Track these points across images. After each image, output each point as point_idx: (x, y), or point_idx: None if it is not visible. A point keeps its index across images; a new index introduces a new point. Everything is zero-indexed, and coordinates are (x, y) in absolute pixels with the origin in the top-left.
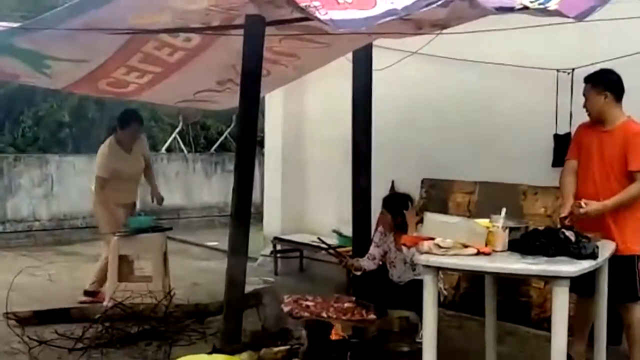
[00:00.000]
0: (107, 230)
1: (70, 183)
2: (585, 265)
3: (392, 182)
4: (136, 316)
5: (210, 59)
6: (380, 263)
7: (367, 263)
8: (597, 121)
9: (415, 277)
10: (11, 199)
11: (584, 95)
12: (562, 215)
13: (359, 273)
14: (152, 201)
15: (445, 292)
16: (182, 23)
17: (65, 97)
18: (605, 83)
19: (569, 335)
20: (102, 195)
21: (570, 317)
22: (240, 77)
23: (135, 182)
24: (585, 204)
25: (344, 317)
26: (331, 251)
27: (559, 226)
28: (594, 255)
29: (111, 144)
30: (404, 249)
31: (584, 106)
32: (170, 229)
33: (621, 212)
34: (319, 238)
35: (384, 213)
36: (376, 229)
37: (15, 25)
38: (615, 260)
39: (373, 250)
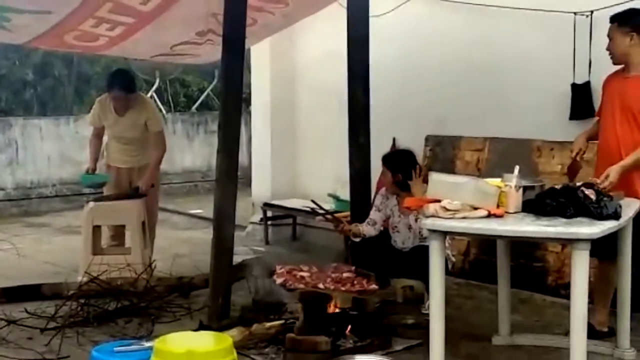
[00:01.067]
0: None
1: (37, 148)
2: (607, 226)
3: (394, 139)
4: (114, 291)
5: (188, 8)
6: (382, 228)
7: (367, 229)
8: (621, 68)
9: (421, 244)
10: None
11: (608, 36)
12: (573, 154)
13: (358, 240)
14: None
15: (453, 259)
16: None
17: (28, 53)
18: (632, 23)
19: (589, 303)
20: (94, 143)
21: (590, 282)
22: (222, 28)
23: (132, 149)
24: (605, 177)
25: (342, 288)
26: (327, 216)
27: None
28: (616, 215)
29: (105, 98)
30: (411, 218)
31: (607, 48)
32: None
33: None
34: (313, 201)
35: (384, 173)
36: (377, 192)
37: None
38: None
39: (374, 214)
